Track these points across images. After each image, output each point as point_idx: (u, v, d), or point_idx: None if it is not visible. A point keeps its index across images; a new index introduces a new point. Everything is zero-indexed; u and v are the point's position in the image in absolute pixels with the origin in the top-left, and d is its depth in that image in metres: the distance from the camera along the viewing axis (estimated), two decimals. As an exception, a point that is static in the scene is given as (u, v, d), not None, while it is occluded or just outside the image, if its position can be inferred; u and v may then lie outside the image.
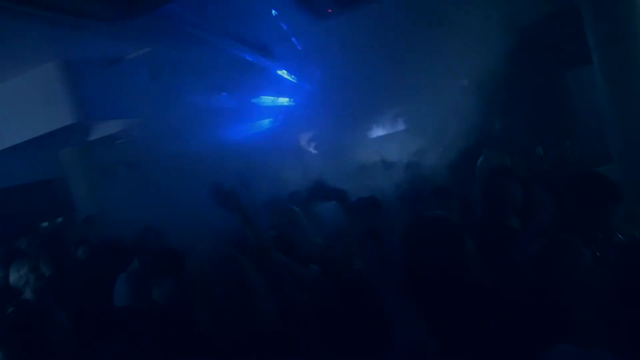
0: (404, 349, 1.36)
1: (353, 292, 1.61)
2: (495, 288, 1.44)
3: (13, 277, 3.03)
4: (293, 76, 5.10)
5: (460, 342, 1.28)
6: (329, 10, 3.36)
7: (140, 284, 3.09)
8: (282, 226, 2.89)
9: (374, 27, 4.10)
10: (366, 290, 1.62)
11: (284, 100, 5.74)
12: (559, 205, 2.05)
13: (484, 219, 2.47)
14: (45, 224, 5.97)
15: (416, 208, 2.67)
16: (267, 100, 5.31)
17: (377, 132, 5.97)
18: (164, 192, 3.95)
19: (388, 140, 5.57)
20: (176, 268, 2.40)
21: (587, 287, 1.50)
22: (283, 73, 4.88)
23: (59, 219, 5.94)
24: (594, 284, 1.52)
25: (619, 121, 3.96)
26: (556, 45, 4.98)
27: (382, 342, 1.37)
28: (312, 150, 6.39)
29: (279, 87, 5.36)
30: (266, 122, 5.03)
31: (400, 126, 5.80)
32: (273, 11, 3.25)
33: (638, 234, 1.98)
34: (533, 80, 5.05)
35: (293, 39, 4.09)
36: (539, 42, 4.65)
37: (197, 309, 1.98)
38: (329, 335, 1.59)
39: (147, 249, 3.45)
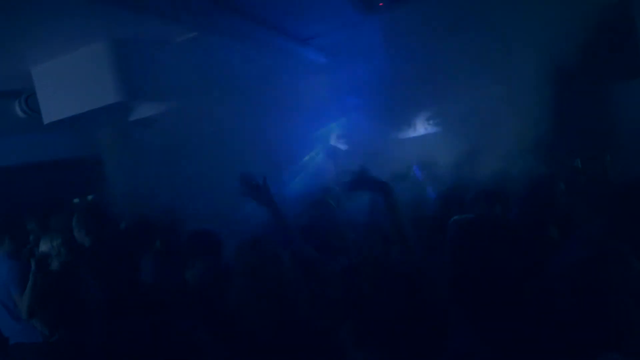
0: (452, 354, 1.33)
1: (386, 288, 1.59)
2: (543, 296, 1.40)
3: (44, 247, 3.12)
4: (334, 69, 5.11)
5: (511, 350, 1.25)
6: (380, 4, 3.32)
7: (171, 263, 3.15)
8: (314, 219, 2.88)
9: (418, 26, 4.06)
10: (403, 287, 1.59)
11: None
12: (605, 216, 2.02)
13: (525, 227, 2.44)
14: (76, 200, 6.14)
15: (459, 210, 2.63)
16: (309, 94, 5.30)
17: (413, 132, 5.90)
18: (196, 177, 4.01)
19: (424, 141, 5.52)
20: (215, 250, 2.44)
21: (637, 296, 1.46)
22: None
23: (90, 197, 6.10)
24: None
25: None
26: (605, 54, 4.83)
27: (430, 346, 1.33)
28: (341, 146, 6.37)
29: (319, 79, 5.35)
30: (304, 116, 5.03)
31: (438, 128, 5.72)
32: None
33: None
34: (578, 89, 4.90)
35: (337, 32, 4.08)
36: (586, 50, 4.51)
37: (233, 292, 1.99)
38: (363, 333, 1.57)
39: (175, 229, 3.53)
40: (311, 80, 5.25)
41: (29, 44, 3.07)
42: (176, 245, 3.28)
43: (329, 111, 5.58)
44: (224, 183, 4.07)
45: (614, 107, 5.26)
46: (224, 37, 3.43)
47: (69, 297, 2.95)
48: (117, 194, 4.75)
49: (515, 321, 1.26)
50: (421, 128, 5.86)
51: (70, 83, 3.37)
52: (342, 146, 6.36)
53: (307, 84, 5.14)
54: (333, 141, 6.41)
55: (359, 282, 1.81)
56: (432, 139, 5.59)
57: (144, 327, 1.92)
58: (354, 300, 1.71)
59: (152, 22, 2.91)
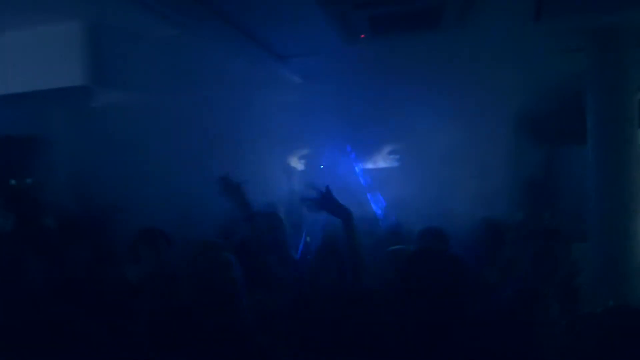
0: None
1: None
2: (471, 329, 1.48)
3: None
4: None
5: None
6: (362, 36, 3.44)
7: (104, 259, 3.03)
8: (261, 231, 2.88)
9: (394, 62, 4.25)
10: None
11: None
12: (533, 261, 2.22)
13: (462, 265, 2.56)
14: (13, 181, 5.77)
15: (405, 243, 2.71)
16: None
17: (373, 164, 6.06)
18: (150, 174, 3.91)
19: (380, 174, 5.68)
20: (164, 249, 2.37)
21: (552, 336, 1.57)
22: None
23: (30, 179, 5.76)
24: (559, 335, 1.60)
25: (598, 203, 4.11)
26: (556, 120, 5.22)
27: None
28: (299, 167, 6.41)
29: (292, 98, 5.41)
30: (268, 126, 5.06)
31: (395, 163, 5.91)
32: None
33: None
34: (526, 148, 5.24)
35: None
36: (540, 114, 4.87)
37: (176, 294, 1.95)
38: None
39: (109, 226, 3.40)
40: (284, 97, 5.31)
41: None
42: (110, 242, 3.18)
43: (294, 130, 5.63)
44: (178, 183, 4.00)
45: (560, 169, 5.67)
46: (203, 40, 3.42)
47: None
48: (61, 181, 4.54)
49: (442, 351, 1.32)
50: (382, 161, 6.04)
51: (34, 57, 3.24)
52: (300, 167, 6.40)
53: (279, 99, 5.20)
54: (292, 161, 6.44)
55: (307, 302, 1.83)
56: (390, 172, 5.76)
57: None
58: (299, 317, 1.72)
59: (133, 12, 2.87)
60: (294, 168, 6.35)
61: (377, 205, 4.42)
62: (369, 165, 5.99)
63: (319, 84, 5.13)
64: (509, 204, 4.78)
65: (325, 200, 2.22)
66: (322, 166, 5.89)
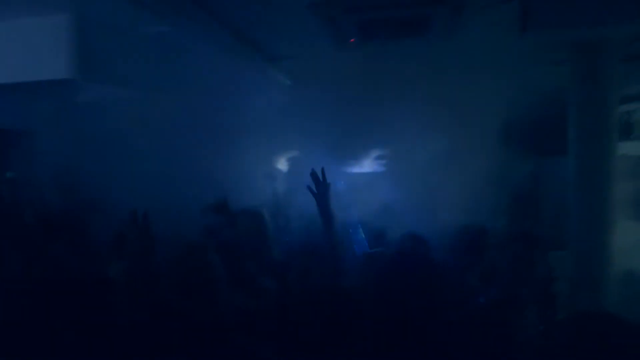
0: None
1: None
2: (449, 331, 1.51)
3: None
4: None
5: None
6: (352, 40, 3.47)
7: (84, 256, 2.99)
8: (245, 230, 2.88)
9: (382, 68, 4.29)
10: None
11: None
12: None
13: (442, 270, 2.61)
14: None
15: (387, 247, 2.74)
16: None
17: (359, 169, 6.09)
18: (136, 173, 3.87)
19: (365, 178, 5.71)
20: (149, 248, 2.34)
21: (528, 341, 1.60)
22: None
23: (10, 173, 5.65)
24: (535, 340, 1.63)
25: (577, 213, 4.20)
26: (540, 129, 5.32)
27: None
28: (283, 168, 6.40)
29: (280, 99, 5.41)
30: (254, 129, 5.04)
31: (380, 168, 5.95)
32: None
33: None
34: (511, 157, 5.33)
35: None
36: (525, 123, 4.96)
37: (157, 293, 1.94)
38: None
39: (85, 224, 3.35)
40: (272, 98, 5.31)
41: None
42: (92, 239, 3.14)
43: (281, 132, 5.64)
44: (163, 181, 3.97)
45: (543, 179, 5.77)
46: (193, 38, 3.41)
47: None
48: (43, 176, 4.46)
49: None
50: (367, 166, 6.07)
51: (20, 49, 3.18)
52: (284, 168, 6.40)
53: (267, 100, 5.20)
54: (278, 162, 6.43)
55: (290, 303, 1.83)
56: (375, 177, 5.79)
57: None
58: (282, 319, 1.72)
59: (122, 6, 2.85)
60: (279, 170, 6.34)
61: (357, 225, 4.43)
62: (354, 169, 6.02)
63: (308, 87, 5.14)
64: (492, 211, 4.85)
65: (321, 197, 2.27)
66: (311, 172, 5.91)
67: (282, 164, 6.42)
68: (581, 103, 4.12)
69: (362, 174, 6.01)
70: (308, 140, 5.75)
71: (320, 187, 2.38)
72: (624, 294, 4.22)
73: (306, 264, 2.42)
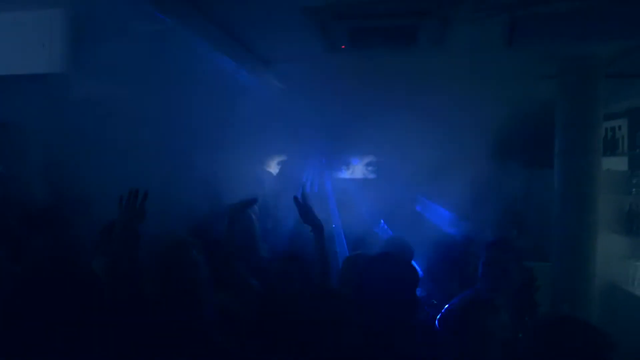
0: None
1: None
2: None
3: None
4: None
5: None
6: (343, 47, 3.51)
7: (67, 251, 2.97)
8: (233, 230, 2.90)
9: (372, 73, 4.34)
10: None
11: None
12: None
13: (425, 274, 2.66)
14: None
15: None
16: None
17: (351, 174, 6.13)
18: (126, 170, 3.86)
19: (354, 184, 5.75)
20: (134, 243, 2.34)
21: (501, 346, 1.64)
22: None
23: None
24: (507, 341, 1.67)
25: (560, 225, 4.27)
26: (526, 142, 5.41)
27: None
28: (272, 171, 6.41)
29: (273, 103, 5.44)
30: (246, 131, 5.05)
31: (369, 175, 5.99)
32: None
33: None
34: (498, 169, 5.40)
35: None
36: (512, 135, 5.03)
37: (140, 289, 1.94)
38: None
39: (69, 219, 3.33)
40: (266, 101, 5.33)
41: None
42: (77, 234, 3.13)
43: (272, 134, 5.66)
44: (153, 178, 3.96)
45: (529, 191, 5.85)
46: (186, 38, 3.43)
47: None
48: (29, 170, 4.43)
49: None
50: (357, 171, 6.11)
51: (10, 42, 3.18)
52: (274, 171, 6.41)
53: (261, 104, 5.22)
54: (267, 165, 6.44)
55: (271, 305, 1.85)
56: (364, 183, 5.83)
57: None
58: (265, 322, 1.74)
59: (116, 3, 2.86)
60: (269, 173, 6.35)
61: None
62: (343, 175, 6.05)
63: (300, 91, 5.18)
64: (478, 221, 4.91)
65: (304, 209, 2.31)
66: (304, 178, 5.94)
67: (273, 167, 6.44)
68: (566, 117, 4.20)
69: (351, 179, 6.05)
70: (299, 143, 5.79)
71: (306, 201, 2.42)
72: (606, 305, 4.31)
73: (288, 266, 2.44)
